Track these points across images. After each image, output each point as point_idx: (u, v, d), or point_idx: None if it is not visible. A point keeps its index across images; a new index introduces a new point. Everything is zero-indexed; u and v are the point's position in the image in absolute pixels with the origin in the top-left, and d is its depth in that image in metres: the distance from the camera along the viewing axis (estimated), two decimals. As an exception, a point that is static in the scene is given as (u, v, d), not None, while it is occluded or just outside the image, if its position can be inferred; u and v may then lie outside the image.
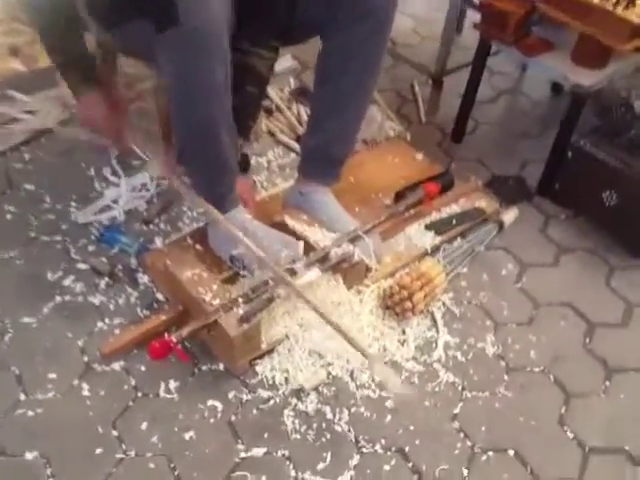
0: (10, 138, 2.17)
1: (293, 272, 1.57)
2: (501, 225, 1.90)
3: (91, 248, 1.87)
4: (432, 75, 2.46)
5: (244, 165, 2.02)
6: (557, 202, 2.04)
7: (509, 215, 1.94)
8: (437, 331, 1.66)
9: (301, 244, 1.65)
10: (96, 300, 1.73)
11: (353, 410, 1.49)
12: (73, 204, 2.00)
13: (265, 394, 1.52)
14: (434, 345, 1.63)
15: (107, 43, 1.69)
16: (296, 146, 2.24)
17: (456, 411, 1.50)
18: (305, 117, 2.33)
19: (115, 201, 2.02)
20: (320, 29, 1.63)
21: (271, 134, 2.32)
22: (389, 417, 1.48)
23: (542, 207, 2.04)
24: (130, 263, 1.83)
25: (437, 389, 1.54)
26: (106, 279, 1.78)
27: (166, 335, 1.51)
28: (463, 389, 1.54)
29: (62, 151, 2.17)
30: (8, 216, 1.92)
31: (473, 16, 2.37)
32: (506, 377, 1.57)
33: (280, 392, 1.53)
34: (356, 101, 1.68)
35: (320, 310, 1.44)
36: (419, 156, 2.13)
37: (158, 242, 1.88)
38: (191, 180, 1.64)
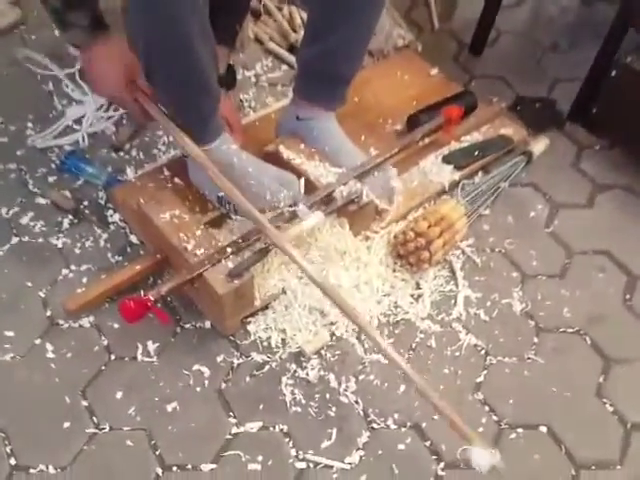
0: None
1: (294, 216, 1.38)
2: (530, 157, 1.71)
3: (51, 179, 1.67)
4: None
5: (230, 79, 1.78)
6: (592, 130, 1.83)
7: (539, 145, 1.74)
8: (456, 285, 1.49)
9: (302, 182, 1.45)
10: (59, 242, 1.54)
11: (361, 378, 1.34)
12: (29, 125, 1.79)
13: (259, 358, 1.37)
14: (453, 301, 1.46)
15: None
16: (289, 57, 1.99)
17: (480, 380, 1.35)
18: (299, 21, 2.08)
19: (79, 121, 1.79)
20: None
21: (259, 42, 2.07)
22: (403, 387, 1.33)
23: (574, 136, 1.84)
24: (98, 198, 1.63)
25: (457, 354, 1.38)
26: (70, 217, 1.59)
27: (142, 292, 1.32)
28: (487, 354, 1.39)
29: (14, 59, 1.91)
30: (-49, 140, 1.70)
31: None
32: (536, 339, 1.42)
33: (277, 356, 1.37)
34: (368, 4, 1.42)
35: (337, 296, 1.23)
36: (434, 71, 1.90)
37: (130, 173, 1.67)
38: (162, 103, 1.40)
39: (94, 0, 1.29)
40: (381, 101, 1.80)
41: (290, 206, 1.40)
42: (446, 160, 1.67)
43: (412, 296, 1.46)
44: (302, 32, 1.96)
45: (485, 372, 1.36)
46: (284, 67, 1.99)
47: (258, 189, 1.41)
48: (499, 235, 1.59)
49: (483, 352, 1.39)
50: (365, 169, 1.51)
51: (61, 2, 1.25)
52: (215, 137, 1.44)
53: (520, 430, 1.29)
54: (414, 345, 1.39)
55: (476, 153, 1.68)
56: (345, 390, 1.32)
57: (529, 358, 1.39)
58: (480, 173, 1.70)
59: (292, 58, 1.98)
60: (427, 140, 1.67)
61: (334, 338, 1.39)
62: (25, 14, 2.04)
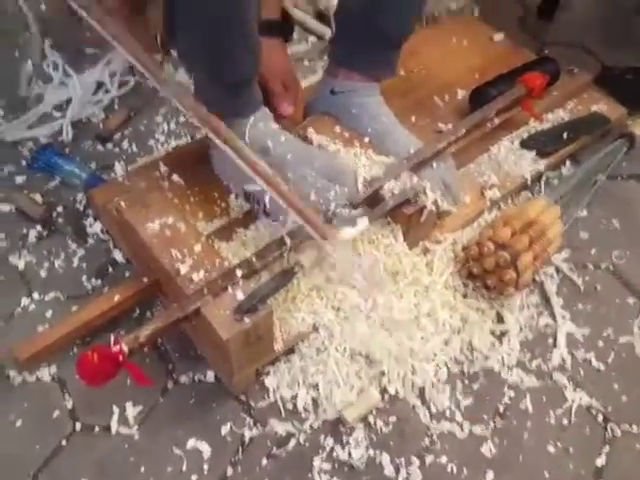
0: None
1: (329, 221, 0.89)
2: (632, 141, 1.19)
3: (20, 179, 1.19)
4: None
5: (288, 26, 1.17)
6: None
7: (642, 125, 1.21)
8: (553, 317, 0.98)
9: (358, 174, 0.95)
10: (21, 262, 1.07)
11: (428, 460, 0.84)
12: (-1, 112, 1.31)
13: (281, 428, 0.87)
14: (551, 341, 0.96)
15: None
16: (317, 25, 1.50)
17: (601, 462, 0.85)
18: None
19: (59, 107, 1.32)
20: None
21: (282, 10, 1.56)
22: (491, 474, 0.83)
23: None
24: (75, 202, 1.15)
25: (565, 421, 0.88)
26: (38, 228, 1.11)
27: (112, 339, 0.83)
28: (607, 420, 0.88)
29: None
30: None
31: None
32: (674, 397, 0.90)
33: (306, 425, 0.87)
34: None
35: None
36: (498, 37, 1.39)
37: (119, 169, 1.20)
38: (187, 64, 0.94)
39: None
40: (434, 74, 1.30)
41: (342, 208, 0.91)
42: (526, 145, 1.16)
43: (493, 334, 0.95)
44: (333, -5, 1.46)
45: (607, 449, 0.85)
46: (311, 38, 1.49)
47: (298, 186, 0.92)
48: (603, 245, 1.08)
49: (601, 418, 0.88)
50: (422, 159, 1.00)
51: None
52: (253, 109, 0.96)
53: None
54: (502, 408, 0.89)
55: (565, 135, 1.16)
56: (406, 480, 0.83)
57: (669, 427, 0.87)
58: (568, 163, 1.19)
59: (321, 27, 1.48)
60: (497, 120, 1.16)
61: (387, 397, 0.89)
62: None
